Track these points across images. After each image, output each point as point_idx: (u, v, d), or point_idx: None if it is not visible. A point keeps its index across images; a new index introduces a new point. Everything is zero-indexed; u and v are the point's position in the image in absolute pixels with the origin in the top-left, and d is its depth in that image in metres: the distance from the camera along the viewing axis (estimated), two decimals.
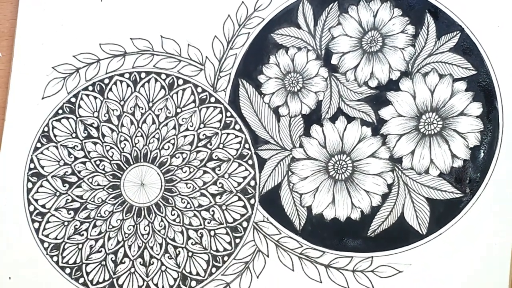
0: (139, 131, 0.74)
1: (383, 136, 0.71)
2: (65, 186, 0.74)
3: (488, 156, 0.69)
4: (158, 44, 0.74)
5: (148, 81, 0.74)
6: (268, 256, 0.71)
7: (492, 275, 0.68)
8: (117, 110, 0.74)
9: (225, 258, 0.72)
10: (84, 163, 0.74)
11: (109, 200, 0.73)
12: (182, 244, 0.72)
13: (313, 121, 0.72)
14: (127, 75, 0.74)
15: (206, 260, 0.72)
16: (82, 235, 0.73)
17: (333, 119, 0.72)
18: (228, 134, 0.73)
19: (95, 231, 0.73)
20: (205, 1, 0.74)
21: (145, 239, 0.73)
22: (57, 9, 0.75)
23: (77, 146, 0.74)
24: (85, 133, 0.74)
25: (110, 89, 0.74)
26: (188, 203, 0.73)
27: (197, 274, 0.72)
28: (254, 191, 0.72)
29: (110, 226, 0.73)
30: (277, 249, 0.71)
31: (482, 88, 0.70)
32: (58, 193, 0.74)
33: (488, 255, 0.68)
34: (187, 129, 0.73)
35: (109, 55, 0.74)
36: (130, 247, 0.73)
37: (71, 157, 0.74)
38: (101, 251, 0.73)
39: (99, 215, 0.73)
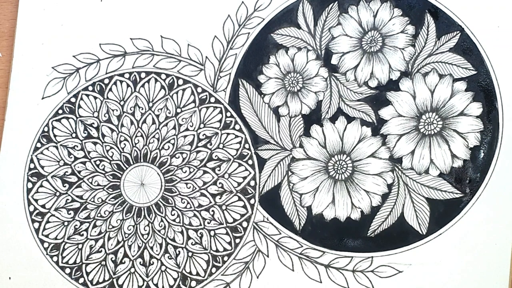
0: (139, 131, 0.74)
1: (383, 136, 0.71)
2: (65, 186, 0.74)
3: (488, 156, 0.69)
4: (158, 44, 0.74)
5: (148, 81, 0.74)
6: (268, 256, 0.71)
7: (492, 275, 0.68)
8: (117, 110, 0.74)
9: (225, 258, 0.72)
10: (84, 163, 0.74)
11: (109, 200, 0.73)
12: (182, 244, 0.72)
13: (313, 121, 0.72)
14: (127, 75, 0.74)
15: (206, 260, 0.72)
16: (82, 235, 0.73)
17: (333, 119, 0.72)
18: (228, 134, 0.73)
19: (95, 231, 0.73)
20: (205, 1, 0.74)
21: (145, 239, 0.73)
22: (57, 9, 0.75)
23: (77, 146, 0.74)
24: (85, 133, 0.74)
25: (110, 89, 0.74)
26: (188, 203, 0.73)
27: (197, 274, 0.72)
28: (254, 191, 0.72)
29: (110, 226, 0.73)
30: (277, 249, 0.71)
31: (482, 88, 0.70)
32: (58, 193, 0.74)
33: (488, 255, 0.68)
34: (187, 129, 0.73)
35: (109, 55, 0.74)
36: (130, 247, 0.73)
37: (71, 157, 0.74)
38: (101, 251, 0.73)
39: (99, 215, 0.73)
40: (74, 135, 0.74)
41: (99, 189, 0.74)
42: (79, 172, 0.74)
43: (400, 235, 0.70)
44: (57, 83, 0.74)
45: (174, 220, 0.73)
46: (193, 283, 0.72)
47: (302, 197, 0.72)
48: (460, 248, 0.69)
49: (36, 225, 0.74)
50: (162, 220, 0.73)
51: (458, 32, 0.70)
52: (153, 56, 0.74)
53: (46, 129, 0.74)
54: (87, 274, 0.73)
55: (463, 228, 0.69)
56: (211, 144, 0.73)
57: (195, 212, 0.73)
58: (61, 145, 0.74)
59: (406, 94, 0.71)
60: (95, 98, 0.74)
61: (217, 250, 0.72)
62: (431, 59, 0.71)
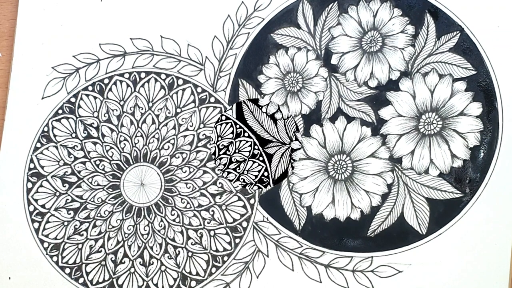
0: (139, 131, 0.74)
1: (383, 136, 0.71)
2: (65, 186, 0.74)
3: (488, 156, 0.69)
4: (158, 44, 0.74)
5: (148, 81, 0.74)
6: (268, 256, 0.71)
7: (492, 275, 0.68)
8: (117, 110, 0.74)
9: (225, 258, 0.72)
10: (84, 163, 0.74)
11: (109, 200, 0.73)
12: (182, 244, 0.72)
13: (313, 121, 0.72)
14: (127, 75, 0.74)
15: (206, 260, 0.72)
16: (82, 235, 0.73)
17: (333, 119, 0.72)
18: None
19: (95, 231, 0.73)
20: (205, 1, 0.74)
21: (145, 239, 0.73)
22: (57, 9, 0.75)
23: (77, 146, 0.74)
24: (85, 133, 0.74)
25: (110, 89, 0.74)
26: (188, 203, 0.73)
27: (197, 274, 0.72)
28: (254, 191, 0.72)
29: (110, 226, 0.73)
30: (277, 249, 0.71)
31: (482, 88, 0.70)
32: (58, 193, 0.74)
33: (488, 255, 0.68)
34: (187, 129, 0.73)
35: (109, 55, 0.74)
36: (130, 247, 0.73)
37: (71, 157, 0.74)
38: (101, 251, 0.73)
39: (99, 215, 0.73)
40: (74, 135, 0.74)
41: (99, 189, 0.74)
42: (79, 172, 0.74)
43: (400, 235, 0.70)
44: (57, 83, 0.75)
45: (174, 220, 0.73)
46: (193, 283, 0.72)
47: (302, 197, 0.72)
48: (460, 248, 0.69)
49: (36, 225, 0.74)
50: (162, 220, 0.73)
51: (458, 32, 0.70)
52: (153, 56, 0.74)
53: (46, 129, 0.74)
54: (87, 274, 0.73)
55: (463, 228, 0.69)
56: (211, 144, 0.73)
57: (195, 212, 0.73)
58: (61, 145, 0.74)
59: (406, 94, 0.71)
60: (95, 98, 0.74)
61: (217, 250, 0.72)
62: (431, 59, 0.71)
